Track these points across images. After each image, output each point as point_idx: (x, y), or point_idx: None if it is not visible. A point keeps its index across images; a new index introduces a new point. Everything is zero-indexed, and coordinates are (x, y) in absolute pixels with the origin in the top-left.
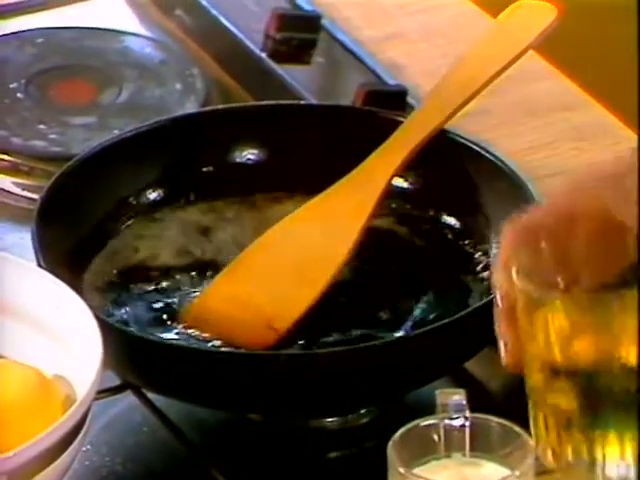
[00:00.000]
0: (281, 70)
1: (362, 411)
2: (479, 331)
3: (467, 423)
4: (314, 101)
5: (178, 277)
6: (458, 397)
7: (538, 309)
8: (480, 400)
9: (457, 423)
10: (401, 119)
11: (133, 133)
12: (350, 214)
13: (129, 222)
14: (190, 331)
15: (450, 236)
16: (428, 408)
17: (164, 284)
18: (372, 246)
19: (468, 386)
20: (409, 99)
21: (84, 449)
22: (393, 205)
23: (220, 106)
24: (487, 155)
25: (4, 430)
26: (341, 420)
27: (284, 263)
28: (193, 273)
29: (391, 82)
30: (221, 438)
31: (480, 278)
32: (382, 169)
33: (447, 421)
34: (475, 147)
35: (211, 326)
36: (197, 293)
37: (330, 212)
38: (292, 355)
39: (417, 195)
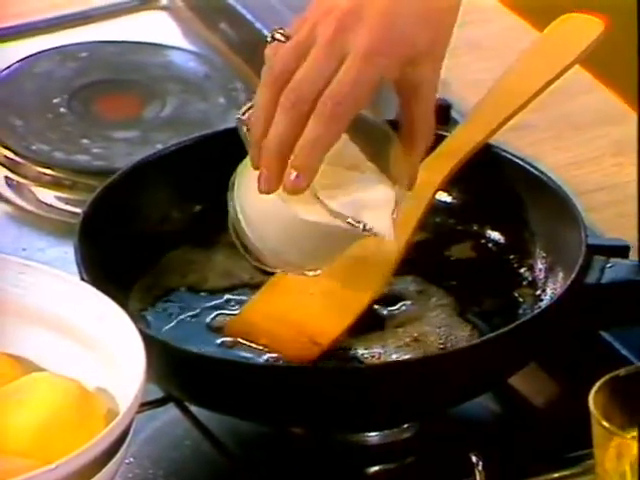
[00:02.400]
0: None
1: (403, 426)
2: (523, 346)
3: None
4: None
5: (221, 295)
6: None
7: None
8: (524, 416)
9: None
10: (445, 133)
11: (176, 147)
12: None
13: (179, 239)
14: (231, 344)
15: (494, 251)
16: (470, 424)
17: (208, 301)
18: (415, 261)
19: (512, 401)
20: (453, 113)
21: (127, 462)
22: (437, 220)
23: None
24: (532, 170)
25: (47, 443)
26: (382, 435)
27: (325, 278)
28: (237, 292)
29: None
30: (263, 452)
31: (525, 293)
32: (426, 183)
33: None
34: (520, 162)
35: (253, 340)
36: (240, 310)
37: None
38: (336, 369)
39: (461, 210)
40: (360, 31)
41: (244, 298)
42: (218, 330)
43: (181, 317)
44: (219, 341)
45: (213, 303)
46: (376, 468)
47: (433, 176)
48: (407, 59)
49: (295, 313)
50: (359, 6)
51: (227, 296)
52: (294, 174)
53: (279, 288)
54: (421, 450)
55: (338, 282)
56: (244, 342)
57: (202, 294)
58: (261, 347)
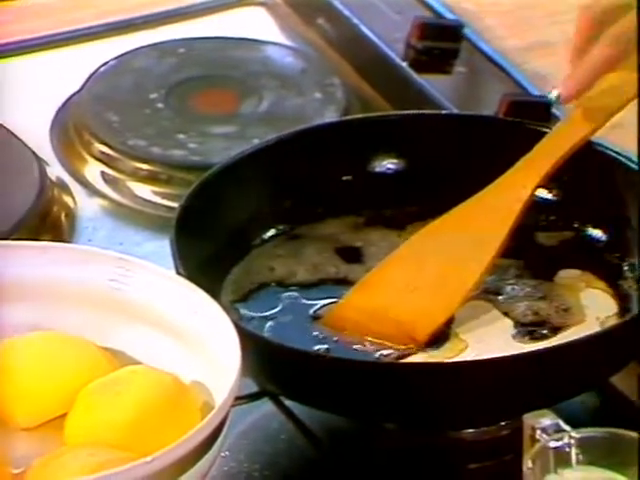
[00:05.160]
0: (422, 80)
1: (502, 423)
2: (625, 345)
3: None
4: (455, 111)
5: (310, 289)
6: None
7: None
8: (622, 413)
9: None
10: (546, 130)
11: (272, 142)
12: (492, 225)
13: (268, 233)
14: (324, 338)
15: (596, 248)
16: (570, 421)
17: (297, 295)
18: (513, 257)
19: (613, 400)
20: (554, 110)
21: (222, 455)
22: (536, 216)
23: (360, 115)
24: (633, 167)
25: (143, 435)
26: (480, 431)
27: (423, 274)
28: (325, 287)
29: (535, 93)
30: (358, 447)
31: (628, 291)
32: (526, 180)
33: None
34: (622, 159)
35: (349, 335)
36: (333, 304)
37: (472, 222)
38: (436, 365)
39: (561, 207)
40: None
41: (331, 292)
42: (309, 324)
43: (271, 311)
44: (311, 335)
45: (302, 297)
46: (474, 465)
47: (533, 172)
48: None
49: (392, 309)
50: None
51: (315, 290)
52: None
53: (375, 284)
54: (520, 447)
55: (435, 277)
56: (339, 337)
57: (291, 288)
58: (357, 342)
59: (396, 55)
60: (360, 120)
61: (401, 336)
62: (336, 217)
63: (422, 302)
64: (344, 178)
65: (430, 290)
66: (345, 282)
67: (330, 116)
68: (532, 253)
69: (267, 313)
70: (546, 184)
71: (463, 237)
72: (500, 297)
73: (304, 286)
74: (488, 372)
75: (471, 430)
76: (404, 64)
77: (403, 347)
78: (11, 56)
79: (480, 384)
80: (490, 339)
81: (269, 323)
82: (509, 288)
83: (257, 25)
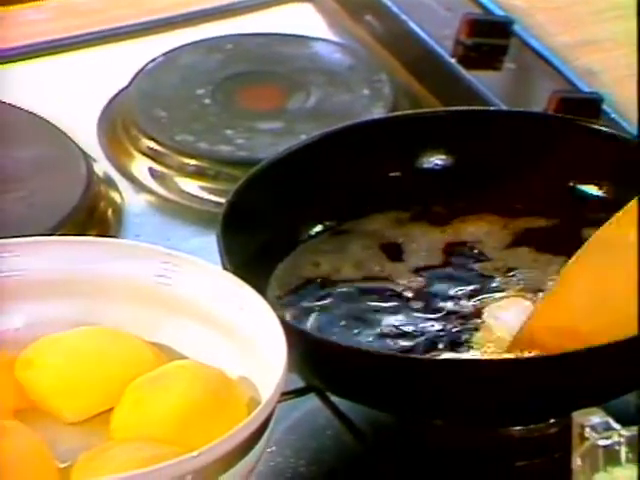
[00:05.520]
0: (470, 76)
1: (551, 421)
2: None
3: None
4: (504, 107)
5: (353, 286)
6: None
7: None
8: None
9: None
10: (596, 127)
11: (320, 138)
12: None
13: (315, 228)
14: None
15: None
16: (620, 419)
17: (342, 291)
18: (558, 253)
19: None
20: (604, 107)
21: (269, 450)
22: (584, 212)
23: (408, 111)
24: None
25: (189, 430)
26: (529, 429)
27: (614, 280)
28: (368, 285)
29: (585, 89)
30: (404, 444)
31: None
32: None
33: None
34: None
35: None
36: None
37: None
38: (485, 362)
39: (610, 203)
40: None
41: (375, 290)
42: (354, 320)
43: (316, 306)
44: (355, 331)
45: (347, 293)
46: (523, 462)
47: None
48: None
49: (583, 326)
50: None
51: (358, 286)
52: None
53: (563, 296)
54: (569, 444)
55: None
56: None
57: (336, 284)
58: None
59: (445, 51)
60: (408, 116)
61: None
62: (382, 213)
63: (614, 317)
64: (392, 174)
65: (625, 299)
66: (387, 280)
67: (378, 112)
68: (577, 250)
69: (313, 308)
70: (596, 180)
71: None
72: (541, 294)
73: (348, 282)
74: (537, 370)
75: (520, 427)
76: (453, 60)
77: None
78: (58, 53)
79: (529, 382)
80: None
81: (315, 318)
82: (551, 284)
83: (305, 21)
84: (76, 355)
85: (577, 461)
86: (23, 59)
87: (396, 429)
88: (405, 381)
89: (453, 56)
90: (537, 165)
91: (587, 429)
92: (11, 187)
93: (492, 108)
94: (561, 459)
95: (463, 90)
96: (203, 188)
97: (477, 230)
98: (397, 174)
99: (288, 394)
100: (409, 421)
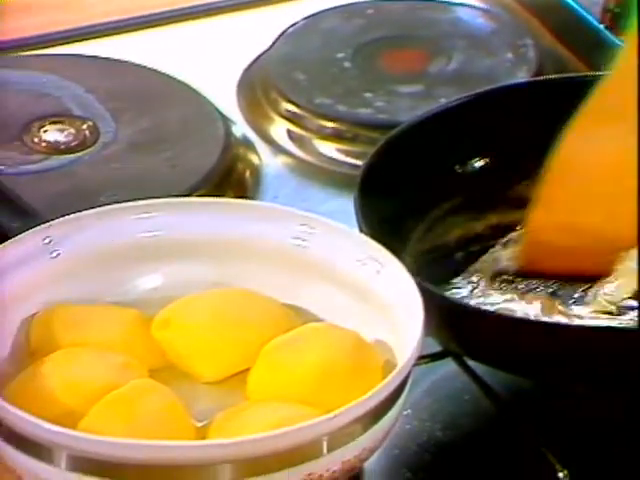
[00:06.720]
0: (619, 42)
1: None
2: None
3: None
4: None
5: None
6: None
7: None
8: None
9: None
10: None
11: (461, 102)
12: None
13: (453, 192)
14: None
15: None
16: None
17: (481, 257)
18: None
19: None
20: None
21: (405, 413)
22: None
23: (554, 75)
24: None
25: (326, 391)
26: None
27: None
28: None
29: None
30: (545, 410)
31: None
32: None
33: None
34: None
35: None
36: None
37: None
38: (625, 330)
39: None
40: None
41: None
42: (491, 283)
43: (454, 270)
44: (493, 297)
45: (483, 257)
46: None
47: None
48: None
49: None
50: None
51: (497, 250)
52: None
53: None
54: None
55: None
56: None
57: (472, 248)
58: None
59: (593, 18)
60: (554, 80)
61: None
62: (525, 179)
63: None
64: (536, 140)
65: None
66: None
67: (522, 77)
68: None
69: (450, 273)
70: None
71: None
72: None
73: (486, 247)
74: None
75: None
76: (601, 27)
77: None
78: (200, 18)
79: None
80: None
81: (452, 283)
82: None
83: None
84: (213, 316)
85: None
86: (165, 24)
87: (534, 395)
88: (541, 347)
89: (601, 22)
90: None
91: None
92: (157, 148)
93: None
94: None
95: (610, 56)
96: (341, 150)
97: None
98: (543, 140)
99: (424, 358)
100: (549, 387)
